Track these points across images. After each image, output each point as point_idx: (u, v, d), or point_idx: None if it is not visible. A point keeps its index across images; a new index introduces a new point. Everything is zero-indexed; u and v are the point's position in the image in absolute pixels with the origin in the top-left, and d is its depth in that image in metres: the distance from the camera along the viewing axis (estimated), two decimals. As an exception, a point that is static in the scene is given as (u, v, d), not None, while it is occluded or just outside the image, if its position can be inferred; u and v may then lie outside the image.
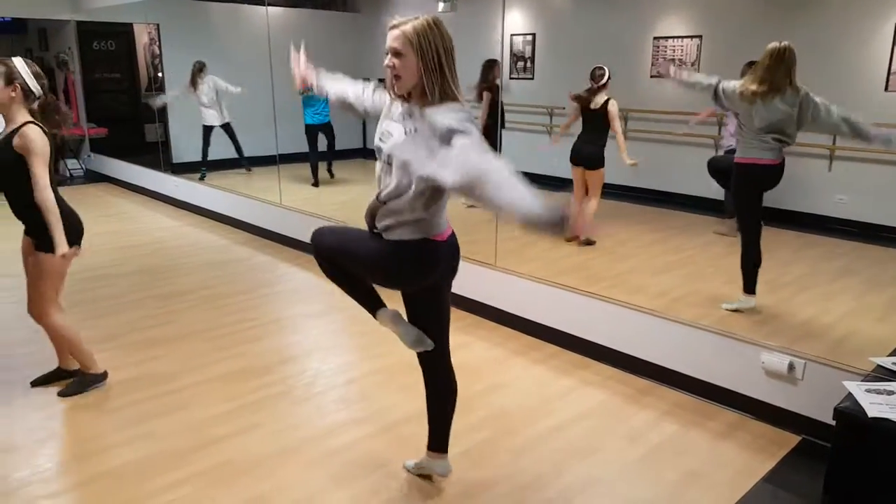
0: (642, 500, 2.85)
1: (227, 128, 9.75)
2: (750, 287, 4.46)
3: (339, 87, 2.76)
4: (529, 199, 1.94)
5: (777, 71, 4.07)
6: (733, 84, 4.24)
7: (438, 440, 2.85)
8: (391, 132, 2.37)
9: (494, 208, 2.05)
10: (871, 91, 6.42)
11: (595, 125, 6.10)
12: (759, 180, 4.29)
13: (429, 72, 2.23)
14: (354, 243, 2.56)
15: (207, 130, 9.69)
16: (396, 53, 2.24)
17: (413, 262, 2.46)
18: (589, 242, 6.18)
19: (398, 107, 2.40)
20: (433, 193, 2.33)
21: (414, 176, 2.28)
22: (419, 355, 2.73)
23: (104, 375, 3.77)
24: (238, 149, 9.88)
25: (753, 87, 4.10)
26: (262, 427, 3.36)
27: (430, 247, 2.45)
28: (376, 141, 2.46)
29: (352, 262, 2.58)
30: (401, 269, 2.48)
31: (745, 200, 4.40)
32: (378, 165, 2.45)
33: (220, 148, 9.98)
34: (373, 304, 2.70)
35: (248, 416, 3.46)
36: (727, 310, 4.48)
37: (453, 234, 2.60)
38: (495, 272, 4.69)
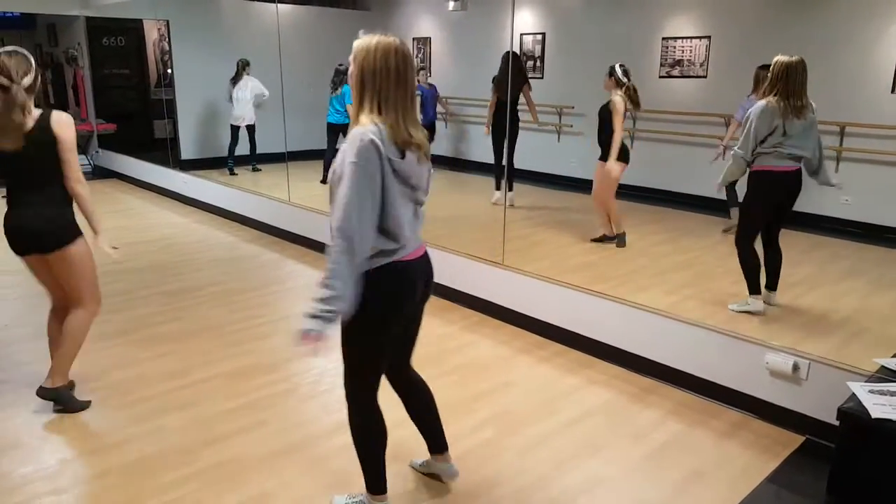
0: (646, 500, 2.87)
1: (250, 128, 9.92)
2: (753, 288, 4.48)
3: None
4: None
5: (804, 84, 4.19)
6: (739, 145, 4.38)
7: (438, 442, 2.86)
8: None
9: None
10: (878, 93, 6.43)
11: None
12: (777, 186, 4.34)
13: (353, 87, 2.30)
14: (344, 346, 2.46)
15: (237, 130, 9.87)
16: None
17: (384, 292, 2.34)
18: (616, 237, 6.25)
19: None
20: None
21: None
22: (390, 374, 2.71)
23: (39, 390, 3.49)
24: (253, 149, 10.04)
25: (796, 101, 4.18)
26: (269, 424, 3.39)
27: (396, 270, 2.33)
28: None
29: (350, 353, 2.46)
30: (373, 307, 2.31)
31: (754, 207, 4.45)
32: None
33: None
34: (378, 484, 2.61)
35: (255, 414, 3.49)
36: (734, 311, 4.49)
37: (426, 255, 2.50)
38: (502, 270, 4.71)
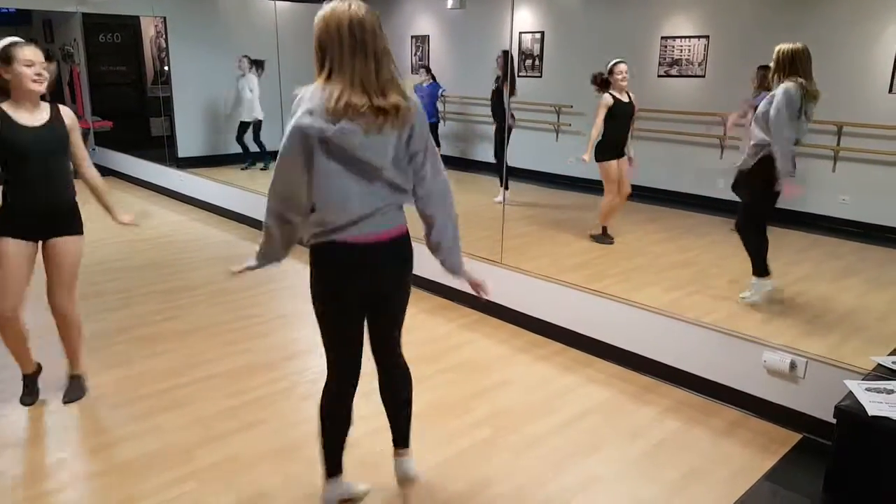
0: (643, 498, 2.87)
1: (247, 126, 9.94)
2: (764, 270, 4.48)
3: None
4: None
5: (811, 69, 4.19)
6: (779, 132, 4.17)
7: (406, 434, 2.77)
8: None
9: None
10: (875, 93, 6.43)
11: None
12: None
13: (314, 60, 2.26)
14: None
15: (253, 126, 9.88)
16: None
17: (322, 269, 2.38)
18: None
19: None
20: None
21: None
22: (376, 353, 2.59)
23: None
24: (248, 149, 10.04)
25: (810, 84, 4.17)
26: (267, 423, 3.39)
27: (334, 250, 2.32)
28: None
29: (323, 332, 2.48)
30: (315, 280, 2.40)
31: (765, 195, 4.43)
32: None
33: (228, 143, 10.07)
34: (328, 467, 2.61)
35: (254, 413, 3.48)
36: (745, 302, 4.50)
37: (395, 240, 2.39)
38: (501, 269, 4.71)
